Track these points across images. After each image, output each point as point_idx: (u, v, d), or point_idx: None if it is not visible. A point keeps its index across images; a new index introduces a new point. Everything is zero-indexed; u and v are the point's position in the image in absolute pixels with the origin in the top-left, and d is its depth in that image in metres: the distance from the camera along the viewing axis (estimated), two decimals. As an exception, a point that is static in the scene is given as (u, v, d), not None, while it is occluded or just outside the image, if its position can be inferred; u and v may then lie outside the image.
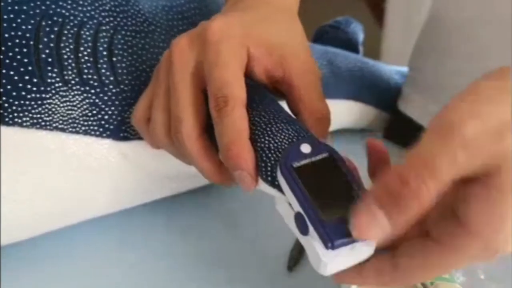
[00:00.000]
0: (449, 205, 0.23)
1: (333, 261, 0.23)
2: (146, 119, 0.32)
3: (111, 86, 0.34)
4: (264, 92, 0.31)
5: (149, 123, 0.32)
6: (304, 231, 0.24)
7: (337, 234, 0.23)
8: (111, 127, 0.34)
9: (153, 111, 0.31)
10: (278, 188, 0.26)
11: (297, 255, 0.37)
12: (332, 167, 0.25)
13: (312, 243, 0.24)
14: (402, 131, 0.56)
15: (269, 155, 0.27)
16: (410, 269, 0.24)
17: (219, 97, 0.28)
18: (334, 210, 0.23)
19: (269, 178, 0.26)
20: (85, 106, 0.33)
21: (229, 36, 0.29)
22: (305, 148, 0.26)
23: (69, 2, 0.33)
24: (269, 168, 0.26)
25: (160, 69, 0.31)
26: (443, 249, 0.23)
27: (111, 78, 0.34)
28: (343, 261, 0.24)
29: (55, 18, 0.32)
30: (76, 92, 0.33)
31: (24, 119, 0.31)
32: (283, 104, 0.31)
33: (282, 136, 0.27)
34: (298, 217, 0.24)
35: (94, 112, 0.33)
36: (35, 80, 0.31)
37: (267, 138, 0.27)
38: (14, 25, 0.31)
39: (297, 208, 0.24)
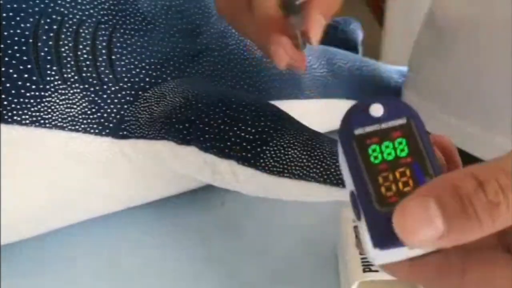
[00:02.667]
0: None
1: (383, 256, 0.19)
2: None
3: (110, 84, 0.34)
4: None
5: None
6: (356, 214, 0.20)
7: (388, 233, 0.18)
8: (111, 125, 0.34)
9: None
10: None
11: None
12: (407, 138, 0.19)
13: (363, 231, 0.19)
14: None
15: None
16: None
17: None
18: (395, 198, 0.18)
19: None
20: (84, 104, 0.33)
21: None
22: (376, 109, 0.20)
23: (68, 0, 0.33)
24: None
25: None
26: None
27: (110, 76, 0.34)
28: (396, 255, 0.19)
29: (54, 16, 0.32)
30: (75, 90, 0.33)
31: (23, 117, 0.31)
32: None
33: None
34: (352, 197, 0.20)
35: (94, 110, 0.33)
36: (34, 78, 0.31)
37: None
38: (13, 23, 0.31)
39: (351, 186, 0.19)
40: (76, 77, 0.33)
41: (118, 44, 0.35)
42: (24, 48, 0.31)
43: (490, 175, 0.16)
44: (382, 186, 0.19)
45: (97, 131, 0.34)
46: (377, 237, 0.18)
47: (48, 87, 0.32)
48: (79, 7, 0.34)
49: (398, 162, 0.19)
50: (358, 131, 0.19)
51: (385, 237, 0.18)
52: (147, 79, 0.36)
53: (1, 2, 0.31)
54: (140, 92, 0.35)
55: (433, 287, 0.20)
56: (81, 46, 0.33)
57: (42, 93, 0.31)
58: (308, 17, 0.30)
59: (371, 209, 0.18)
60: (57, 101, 0.32)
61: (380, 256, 0.19)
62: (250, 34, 0.34)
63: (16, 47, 0.31)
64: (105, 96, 0.34)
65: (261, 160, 0.32)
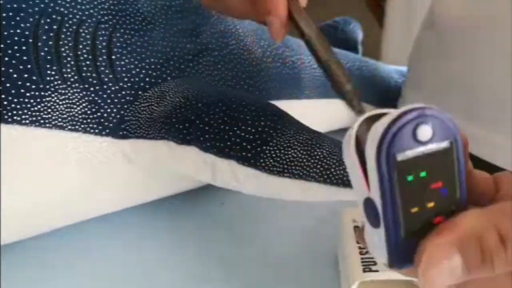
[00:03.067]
0: None
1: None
2: None
3: (110, 84, 0.34)
4: None
5: None
6: (373, 223, 0.19)
7: (405, 256, 0.18)
8: (110, 125, 0.34)
9: None
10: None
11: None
12: (446, 164, 0.18)
13: (377, 238, 0.19)
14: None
15: None
16: None
17: None
18: (420, 231, 0.18)
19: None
20: (84, 104, 0.33)
21: None
22: (425, 132, 0.18)
23: (68, 0, 0.33)
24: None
25: None
26: None
27: (110, 76, 0.34)
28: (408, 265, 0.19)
29: (54, 16, 0.32)
30: (75, 90, 0.33)
31: (23, 116, 0.31)
32: None
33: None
34: (369, 207, 0.19)
35: (93, 110, 0.33)
36: (34, 78, 0.31)
37: None
38: (13, 23, 0.31)
39: (378, 207, 0.18)
40: (76, 77, 0.33)
41: (118, 44, 0.35)
42: (24, 48, 0.31)
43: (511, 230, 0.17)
44: (409, 214, 0.18)
45: (97, 131, 0.34)
46: (395, 259, 0.18)
47: (48, 87, 0.32)
48: (79, 7, 0.34)
49: (429, 186, 0.18)
50: (401, 157, 0.18)
51: (402, 259, 0.18)
52: (147, 79, 0.36)
53: (1, 2, 0.31)
54: (140, 92, 0.35)
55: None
56: (81, 46, 0.33)
57: (42, 93, 0.31)
58: None
59: (395, 237, 0.18)
60: (57, 101, 0.32)
61: (391, 267, 0.19)
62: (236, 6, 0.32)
63: (16, 47, 0.31)
64: (105, 96, 0.34)
65: (261, 160, 0.32)
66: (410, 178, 0.18)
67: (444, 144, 0.18)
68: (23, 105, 0.31)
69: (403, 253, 0.18)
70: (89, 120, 0.33)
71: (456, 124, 0.18)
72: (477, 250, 0.17)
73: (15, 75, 0.31)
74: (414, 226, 0.18)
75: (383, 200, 0.18)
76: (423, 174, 0.18)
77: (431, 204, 0.18)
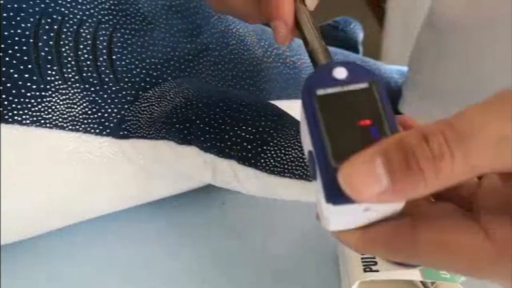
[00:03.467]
0: None
1: (336, 217, 0.20)
2: None
3: (110, 84, 0.34)
4: None
5: None
6: (312, 174, 0.20)
7: (342, 194, 0.18)
8: (111, 125, 0.34)
9: None
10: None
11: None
12: (367, 101, 0.20)
13: (318, 192, 0.19)
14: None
15: None
16: (432, 254, 0.19)
17: None
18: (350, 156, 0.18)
19: None
20: (84, 104, 0.33)
21: None
22: (340, 72, 0.20)
23: (69, 0, 0.33)
24: None
25: None
26: (496, 249, 0.18)
27: (111, 76, 0.34)
28: (353, 219, 0.20)
29: (54, 16, 0.32)
30: (75, 90, 0.33)
31: (24, 117, 0.31)
32: None
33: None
34: (309, 157, 0.20)
35: (94, 110, 0.33)
36: (34, 78, 0.31)
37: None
38: (13, 23, 0.31)
39: (309, 146, 0.20)
40: (76, 77, 0.33)
41: (119, 44, 0.35)
42: (24, 48, 0.31)
43: (436, 129, 0.16)
44: (339, 144, 0.19)
45: (97, 131, 0.34)
46: (330, 192, 0.18)
47: (48, 87, 0.32)
48: (79, 7, 0.34)
49: (357, 124, 0.19)
50: (320, 92, 0.20)
51: (339, 192, 0.18)
52: (148, 79, 0.36)
53: (2, 2, 0.31)
54: (140, 92, 0.35)
55: (388, 255, 0.20)
56: (81, 46, 0.33)
57: (43, 93, 0.31)
58: None
59: (327, 165, 0.18)
60: (58, 101, 0.32)
61: (334, 217, 0.19)
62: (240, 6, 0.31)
63: (16, 47, 0.31)
64: (105, 96, 0.34)
65: (262, 160, 0.32)
66: (335, 114, 0.19)
67: (363, 85, 0.20)
68: (24, 105, 0.31)
69: (337, 189, 0.18)
70: (89, 120, 0.33)
71: (371, 71, 0.20)
72: (398, 149, 0.16)
73: (15, 75, 0.31)
74: (345, 156, 0.18)
75: (311, 136, 0.19)
76: (348, 112, 0.19)
77: (361, 139, 0.19)
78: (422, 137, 0.16)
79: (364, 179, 0.16)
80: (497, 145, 0.16)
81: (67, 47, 0.33)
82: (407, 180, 0.16)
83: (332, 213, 0.19)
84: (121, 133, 0.35)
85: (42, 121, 0.31)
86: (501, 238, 0.18)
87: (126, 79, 0.35)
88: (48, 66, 0.32)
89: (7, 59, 0.30)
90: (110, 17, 0.35)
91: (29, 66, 0.31)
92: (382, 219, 0.20)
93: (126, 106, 0.35)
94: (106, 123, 0.34)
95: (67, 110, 0.32)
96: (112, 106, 0.34)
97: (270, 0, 0.28)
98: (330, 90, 0.20)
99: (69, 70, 0.32)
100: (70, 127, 0.32)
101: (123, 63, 0.35)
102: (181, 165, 0.35)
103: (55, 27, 0.32)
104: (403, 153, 0.16)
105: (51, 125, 0.32)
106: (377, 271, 0.31)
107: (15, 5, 0.31)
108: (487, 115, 0.16)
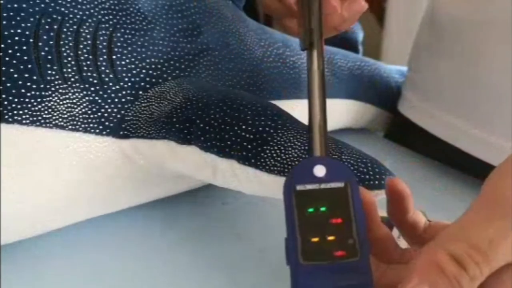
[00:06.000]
0: None
1: None
2: None
3: (110, 84, 0.34)
4: None
5: None
6: (286, 259, 0.21)
7: (308, 283, 0.20)
8: (111, 124, 0.34)
9: None
10: None
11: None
12: (340, 201, 0.22)
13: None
14: (403, 131, 0.57)
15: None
16: None
17: None
18: (318, 256, 0.21)
19: None
20: (84, 104, 0.33)
21: None
22: (319, 170, 0.22)
23: (68, 0, 0.33)
24: None
25: None
26: None
27: (111, 76, 0.34)
28: None
29: (54, 16, 0.32)
30: (75, 90, 0.33)
31: (24, 116, 0.31)
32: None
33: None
34: (285, 243, 0.21)
35: (94, 109, 0.33)
36: (34, 77, 0.31)
37: None
38: (13, 22, 0.31)
39: (286, 233, 0.21)
40: (76, 77, 0.33)
41: (119, 44, 0.35)
42: (24, 48, 0.31)
43: (464, 253, 0.19)
44: (309, 243, 0.21)
45: (97, 131, 0.34)
46: (297, 284, 0.20)
47: (48, 86, 0.32)
48: (79, 6, 0.34)
49: (329, 221, 0.21)
50: (300, 187, 0.21)
51: (305, 284, 0.20)
52: (148, 79, 0.36)
53: (2, 2, 0.31)
54: (140, 92, 0.35)
55: None
56: (81, 46, 0.33)
57: (43, 93, 0.31)
58: None
59: (296, 262, 0.20)
60: (58, 101, 0.32)
61: None
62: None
63: (16, 47, 0.31)
64: (105, 95, 0.34)
65: (262, 160, 0.32)
66: (310, 209, 0.21)
67: (340, 184, 0.22)
68: (24, 105, 0.31)
69: (303, 279, 0.20)
70: (89, 120, 0.33)
71: (350, 170, 0.23)
72: (443, 278, 0.19)
73: (15, 75, 0.31)
74: (313, 254, 0.21)
75: (287, 227, 0.21)
76: (322, 208, 0.21)
77: (331, 237, 0.21)
78: (459, 267, 0.19)
79: None
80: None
81: (67, 47, 0.33)
82: None
83: None
84: (121, 133, 0.35)
85: (42, 121, 0.31)
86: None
87: (126, 79, 0.35)
88: (48, 66, 0.32)
89: (7, 59, 0.30)
90: (110, 17, 0.35)
91: (29, 66, 0.31)
92: None
93: (126, 106, 0.35)
94: (106, 123, 0.34)
95: (67, 110, 0.32)
96: (112, 106, 0.34)
97: None
98: (308, 187, 0.22)
99: (69, 70, 0.32)
100: (70, 127, 0.32)
101: (123, 63, 0.35)
102: (181, 165, 0.35)
103: (55, 27, 0.32)
104: (448, 281, 0.19)
105: (51, 125, 0.32)
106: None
107: (15, 5, 0.31)
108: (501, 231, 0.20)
